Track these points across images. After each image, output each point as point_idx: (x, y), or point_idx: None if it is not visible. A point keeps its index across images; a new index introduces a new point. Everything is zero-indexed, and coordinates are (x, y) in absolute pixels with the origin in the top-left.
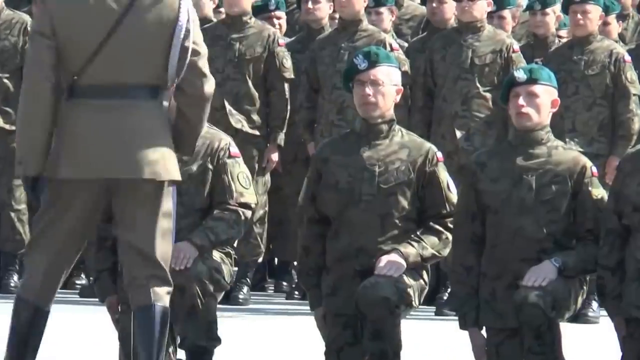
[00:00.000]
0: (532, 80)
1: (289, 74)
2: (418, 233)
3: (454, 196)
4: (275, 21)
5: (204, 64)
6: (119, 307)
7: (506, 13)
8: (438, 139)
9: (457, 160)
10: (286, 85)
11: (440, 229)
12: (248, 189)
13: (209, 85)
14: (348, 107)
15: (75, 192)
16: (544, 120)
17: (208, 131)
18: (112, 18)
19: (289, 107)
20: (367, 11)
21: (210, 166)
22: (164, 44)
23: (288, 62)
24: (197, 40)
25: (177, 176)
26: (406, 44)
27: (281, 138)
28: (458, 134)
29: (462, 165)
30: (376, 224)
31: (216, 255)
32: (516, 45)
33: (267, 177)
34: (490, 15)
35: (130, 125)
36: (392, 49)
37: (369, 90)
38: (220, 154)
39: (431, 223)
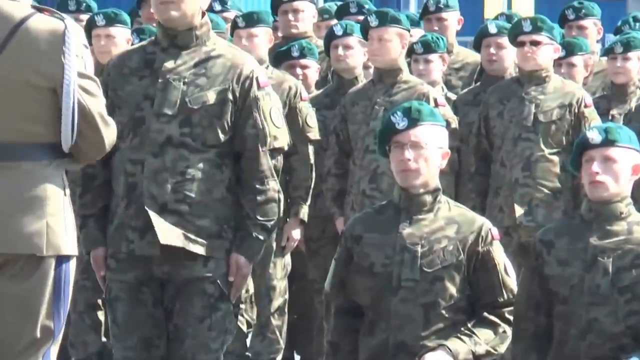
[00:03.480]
0: (608, 141)
1: (314, 134)
2: (469, 325)
3: (512, 281)
4: (299, 71)
5: (97, 105)
6: (107, 262)
7: (577, 60)
8: (495, 212)
9: (517, 238)
10: (310, 148)
11: (497, 320)
12: (281, 129)
13: (110, 134)
14: (383, 174)
15: None
16: (624, 191)
17: (230, 50)
18: None
19: (314, 175)
20: (414, 59)
21: (231, 97)
22: (46, 97)
23: (313, 120)
24: (87, 72)
25: (67, 250)
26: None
27: (304, 212)
28: (517, 209)
29: (523, 243)
30: (419, 315)
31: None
32: (589, 99)
33: (288, 258)
34: (557, 62)
35: (3, 192)
36: (436, 104)
37: (409, 154)
38: (246, 83)
39: (485, 314)
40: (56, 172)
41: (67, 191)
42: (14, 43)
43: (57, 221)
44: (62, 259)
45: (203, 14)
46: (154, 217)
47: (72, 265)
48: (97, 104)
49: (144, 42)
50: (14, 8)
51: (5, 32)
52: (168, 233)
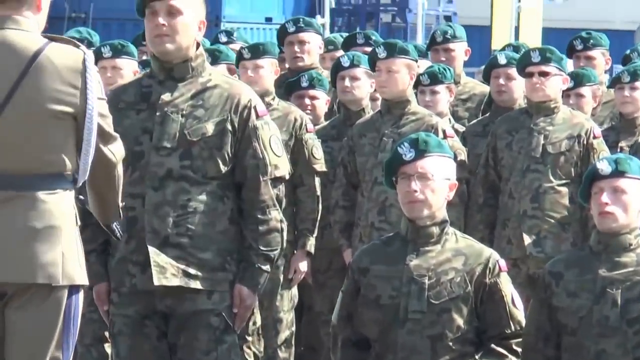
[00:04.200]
0: (618, 172)
1: (321, 166)
2: (477, 357)
3: (519, 313)
4: (308, 101)
5: (106, 122)
6: (110, 297)
7: (585, 90)
8: (502, 243)
9: (526, 270)
10: (317, 180)
11: (504, 352)
12: (281, 157)
13: (116, 148)
14: (392, 207)
15: None
16: (633, 222)
17: (226, 80)
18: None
19: (320, 207)
20: (420, 90)
21: (230, 127)
22: (66, 125)
23: (319, 152)
24: (102, 95)
25: (80, 279)
26: (463, 129)
27: (311, 244)
28: (526, 239)
29: (531, 275)
30: (426, 347)
31: None
32: (597, 130)
33: (294, 290)
34: (566, 93)
35: (19, 221)
36: (445, 136)
37: (415, 185)
38: (244, 113)
39: (493, 345)
40: (68, 202)
41: (78, 221)
42: (32, 74)
43: (71, 250)
44: (72, 289)
45: (197, 45)
46: (152, 254)
47: (82, 295)
48: (109, 123)
49: (138, 75)
50: (28, 39)
51: (23, 63)
52: (166, 272)
